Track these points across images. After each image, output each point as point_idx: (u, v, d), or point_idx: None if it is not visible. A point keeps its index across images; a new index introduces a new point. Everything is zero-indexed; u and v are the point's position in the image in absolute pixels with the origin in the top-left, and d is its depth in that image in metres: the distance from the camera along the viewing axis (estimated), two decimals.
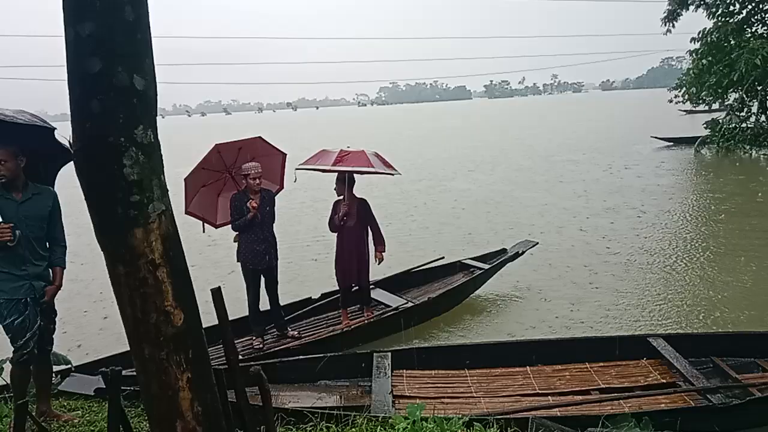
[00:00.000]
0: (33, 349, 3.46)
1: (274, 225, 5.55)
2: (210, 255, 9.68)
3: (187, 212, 5.50)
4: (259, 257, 5.40)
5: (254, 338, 5.57)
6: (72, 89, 1.68)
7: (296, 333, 5.73)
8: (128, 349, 4.94)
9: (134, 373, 3.48)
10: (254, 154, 5.56)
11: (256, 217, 5.27)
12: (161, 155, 1.83)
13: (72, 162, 3.47)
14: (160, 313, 1.77)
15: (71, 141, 1.73)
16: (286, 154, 5.88)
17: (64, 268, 3.69)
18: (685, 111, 30.59)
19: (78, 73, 1.67)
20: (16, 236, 3.32)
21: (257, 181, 5.27)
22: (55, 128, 3.37)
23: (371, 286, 6.52)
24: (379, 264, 6.04)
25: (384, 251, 6.01)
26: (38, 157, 3.54)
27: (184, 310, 1.82)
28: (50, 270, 3.59)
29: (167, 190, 1.84)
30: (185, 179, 5.38)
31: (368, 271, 6.04)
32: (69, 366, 4.49)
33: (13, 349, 3.46)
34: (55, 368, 4.31)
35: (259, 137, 5.68)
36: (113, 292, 1.80)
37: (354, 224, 5.81)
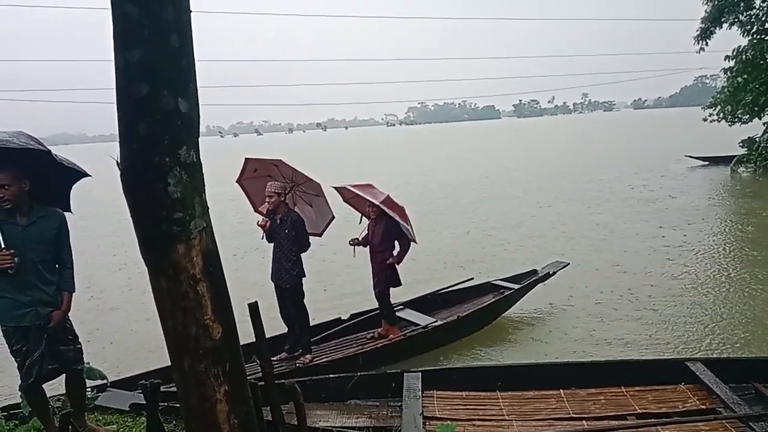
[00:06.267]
0: (37, 378, 3.42)
1: (297, 250, 5.50)
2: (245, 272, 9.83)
3: (237, 182, 5.92)
4: (273, 273, 5.61)
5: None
6: (120, 112, 1.75)
7: (308, 358, 5.58)
8: (160, 366, 5.03)
9: (167, 390, 3.57)
10: (311, 191, 5.84)
11: (267, 234, 5.50)
12: (203, 174, 1.89)
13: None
14: (199, 326, 1.82)
15: (118, 161, 1.80)
16: (334, 217, 6.00)
17: (73, 291, 3.60)
18: None
19: (126, 97, 1.74)
20: (15, 264, 3.25)
21: (268, 198, 5.42)
22: (49, 150, 3.27)
23: (400, 306, 6.54)
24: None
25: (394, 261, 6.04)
26: (45, 178, 3.46)
27: (223, 324, 1.87)
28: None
29: (208, 208, 1.90)
30: (247, 158, 5.77)
31: (381, 286, 6.07)
32: (105, 381, 4.58)
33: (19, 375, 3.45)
34: (92, 383, 4.41)
35: (319, 185, 5.85)
36: (155, 305, 1.86)
37: (379, 242, 5.99)
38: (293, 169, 5.63)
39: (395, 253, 5.99)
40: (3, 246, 3.25)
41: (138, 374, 5.17)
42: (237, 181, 5.92)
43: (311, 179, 5.71)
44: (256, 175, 5.88)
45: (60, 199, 3.65)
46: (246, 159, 5.81)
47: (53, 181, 3.56)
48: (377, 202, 5.63)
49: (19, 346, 3.40)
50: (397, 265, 6.01)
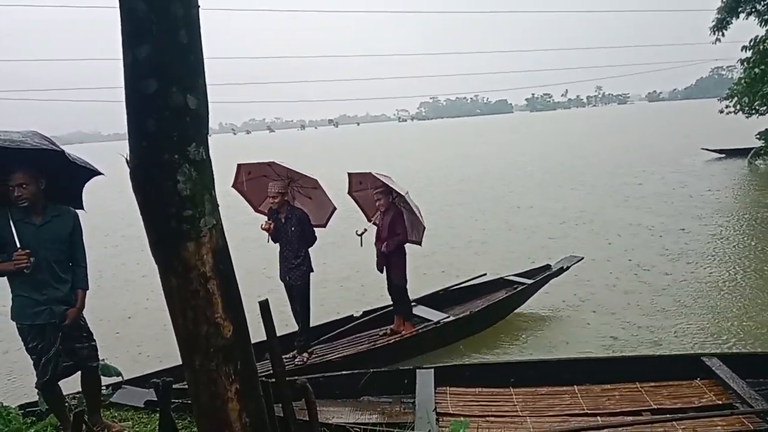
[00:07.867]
0: (53, 375, 3.46)
1: (305, 246, 5.52)
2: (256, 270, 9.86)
3: (233, 186, 5.88)
4: (281, 272, 5.61)
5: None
6: (129, 109, 1.75)
7: (305, 357, 5.59)
8: (174, 365, 5.06)
9: (182, 387, 3.59)
10: (308, 185, 5.79)
11: (273, 235, 5.49)
12: (212, 171, 1.88)
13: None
14: (210, 324, 1.81)
15: (127, 159, 1.79)
16: (336, 208, 5.98)
17: (87, 289, 3.64)
18: None
19: (135, 93, 1.73)
20: (31, 263, 3.29)
21: (273, 199, 5.41)
22: (63, 150, 3.30)
23: (412, 303, 6.51)
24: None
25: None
26: (59, 177, 3.49)
27: (233, 322, 1.86)
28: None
29: (218, 205, 1.89)
30: (240, 164, 5.77)
31: (399, 281, 6.05)
32: (120, 378, 4.63)
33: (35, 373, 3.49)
34: (107, 380, 4.46)
35: (315, 180, 5.83)
36: (166, 303, 1.85)
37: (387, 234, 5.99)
38: (287, 168, 5.62)
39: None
40: (19, 246, 3.29)
41: (153, 372, 5.22)
42: (233, 186, 5.87)
43: (306, 175, 5.65)
44: (251, 177, 5.88)
45: (73, 197, 3.68)
46: (238, 165, 5.80)
47: (66, 180, 3.58)
48: (399, 191, 5.61)
49: (34, 343, 3.44)
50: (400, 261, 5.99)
